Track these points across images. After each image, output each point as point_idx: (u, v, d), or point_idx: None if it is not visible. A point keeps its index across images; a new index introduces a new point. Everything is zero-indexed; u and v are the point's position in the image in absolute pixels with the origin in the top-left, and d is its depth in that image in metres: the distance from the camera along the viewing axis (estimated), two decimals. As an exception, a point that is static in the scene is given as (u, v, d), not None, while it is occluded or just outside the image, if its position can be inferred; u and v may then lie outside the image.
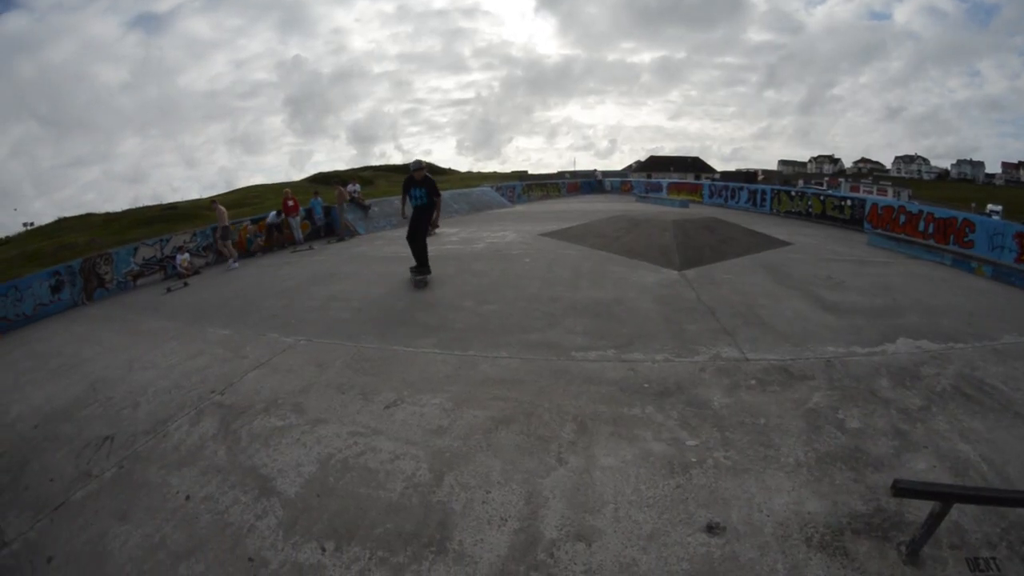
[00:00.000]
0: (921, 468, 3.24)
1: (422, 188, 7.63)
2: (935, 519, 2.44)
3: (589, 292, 7.15)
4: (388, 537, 2.81)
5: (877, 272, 8.45)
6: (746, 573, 2.51)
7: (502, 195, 22.99)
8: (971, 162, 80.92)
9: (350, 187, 16.29)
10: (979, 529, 2.64)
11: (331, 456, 3.57)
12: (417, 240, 7.89)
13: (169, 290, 9.87)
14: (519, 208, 21.34)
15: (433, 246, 8.71)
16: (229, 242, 11.86)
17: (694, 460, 3.36)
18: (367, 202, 16.27)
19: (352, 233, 14.63)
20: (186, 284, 10.40)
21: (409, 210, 8.10)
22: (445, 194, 13.03)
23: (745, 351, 4.99)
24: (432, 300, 7.14)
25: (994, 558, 2.46)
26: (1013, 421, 3.73)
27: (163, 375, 5.24)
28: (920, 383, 4.32)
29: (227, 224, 11.85)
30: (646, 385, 4.37)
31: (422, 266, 7.95)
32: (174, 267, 11.45)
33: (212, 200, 15.46)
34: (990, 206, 36.24)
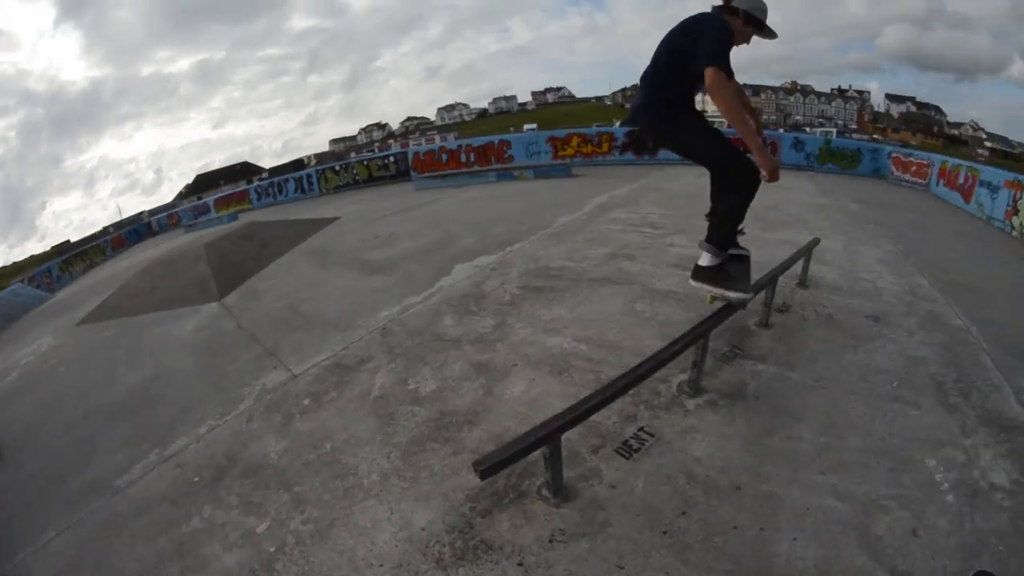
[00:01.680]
0: (519, 391, 3.42)
1: None
2: (554, 456, 2.46)
3: (129, 377, 5.35)
4: None
5: (425, 212, 9.11)
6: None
7: (38, 287, 17.46)
8: (505, 97, 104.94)
9: None
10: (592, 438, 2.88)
11: None
12: None
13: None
14: (61, 296, 15.26)
15: None
16: None
17: (273, 550, 2.65)
18: None
19: None
20: None
21: None
22: None
23: (292, 366, 4.54)
24: None
25: (640, 430, 2.80)
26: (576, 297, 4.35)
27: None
28: (486, 300, 4.68)
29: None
30: (196, 479, 3.36)
31: None
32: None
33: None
34: (526, 126, 49.06)
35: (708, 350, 3.30)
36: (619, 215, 7.54)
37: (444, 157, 14.65)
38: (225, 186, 49.58)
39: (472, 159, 14.28)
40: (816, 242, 4.93)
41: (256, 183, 25.44)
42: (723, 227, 3.18)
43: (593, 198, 8.79)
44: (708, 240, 3.22)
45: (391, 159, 16.04)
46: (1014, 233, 8.62)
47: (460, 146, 14.65)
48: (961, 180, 10.82)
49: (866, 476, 2.62)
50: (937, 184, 11.85)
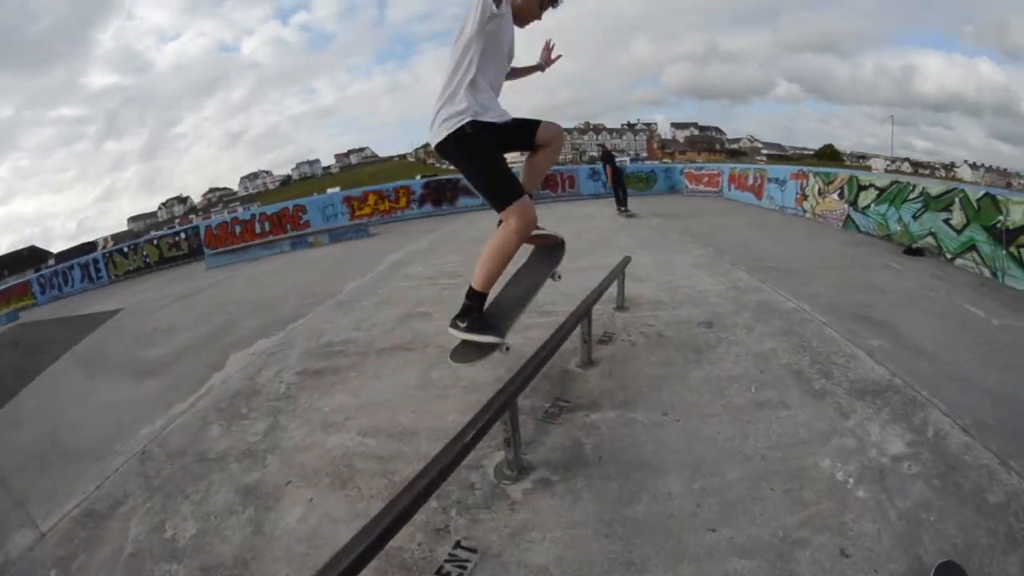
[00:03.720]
0: (294, 520, 2.42)
1: None
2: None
3: None
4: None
5: (211, 295, 8.30)
6: None
7: None
8: (309, 162, 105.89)
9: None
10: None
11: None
12: None
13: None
14: None
15: None
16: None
17: None
18: None
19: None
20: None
21: None
22: None
23: (40, 521, 3.27)
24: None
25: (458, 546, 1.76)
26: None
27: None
28: (259, 396, 4.01)
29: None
30: None
31: None
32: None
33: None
34: (329, 190, 51.11)
35: (520, 419, 2.59)
36: (414, 270, 7.22)
37: (238, 229, 13.68)
38: (9, 277, 41.06)
39: (267, 228, 13.60)
40: (627, 260, 4.76)
41: (39, 273, 20.81)
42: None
43: (388, 256, 8.51)
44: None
45: (182, 236, 14.34)
46: (807, 215, 9.90)
47: (253, 215, 13.90)
48: (751, 182, 12.47)
49: (764, 511, 2.25)
50: (729, 189, 13.52)
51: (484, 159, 2.48)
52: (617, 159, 13.85)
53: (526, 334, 4.06)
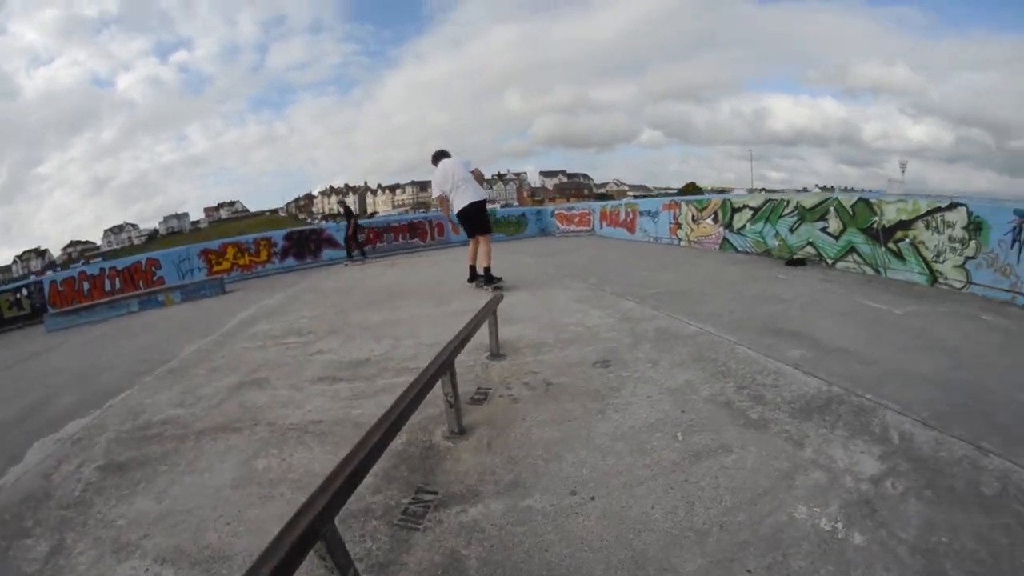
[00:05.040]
0: None
1: None
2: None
3: None
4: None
5: (35, 365, 7.00)
6: None
7: None
8: (177, 215, 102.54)
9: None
10: None
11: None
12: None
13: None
14: None
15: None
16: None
17: None
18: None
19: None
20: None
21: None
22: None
23: None
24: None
25: None
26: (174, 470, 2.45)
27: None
28: (50, 502, 2.71)
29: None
30: None
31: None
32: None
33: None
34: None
35: (370, 526, 1.74)
36: (261, 328, 6.23)
37: (86, 286, 11.97)
38: None
39: (118, 285, 12.14)
40: (499, 297, 4.13)
41: None
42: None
43: (237, 314, 7.43)
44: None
45: (24, 292, 11.93)
46: (683, 243, 10.07)
47: (103, 270, 12.30)
48: (623, 217, 12.71)
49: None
50: (601, 227, 13.70)
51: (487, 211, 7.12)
52: (488, 206, 13.99)
53: (378, 399, 3.31)
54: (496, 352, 3.88)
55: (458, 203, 6.65)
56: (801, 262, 6.97)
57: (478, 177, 6.88)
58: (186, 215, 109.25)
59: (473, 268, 7.09)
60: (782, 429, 2.51)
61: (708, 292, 5.56)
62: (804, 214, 7.20)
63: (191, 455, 3.19)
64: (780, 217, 7.66)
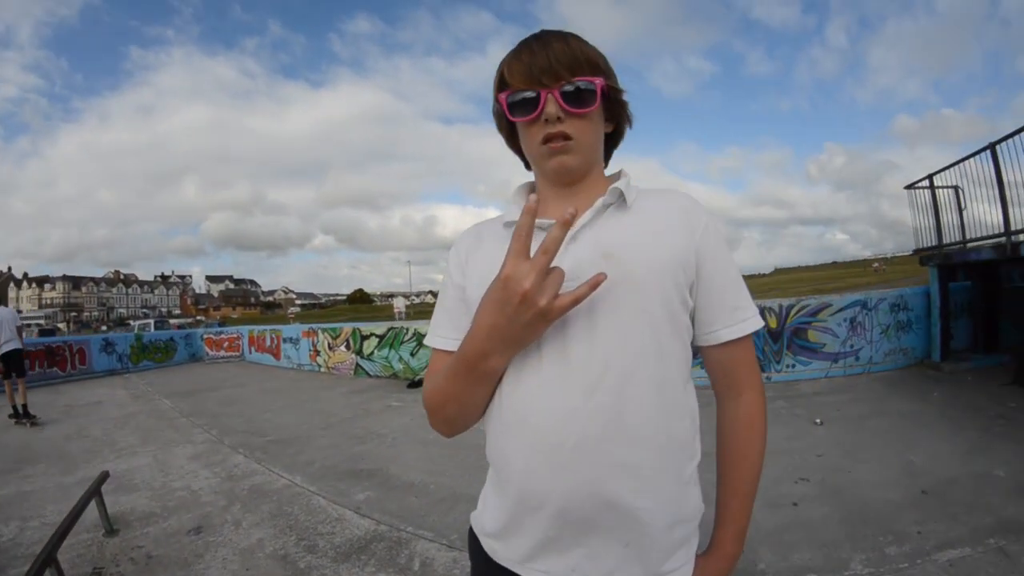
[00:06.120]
0: None
1: None
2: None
3: None
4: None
5: None
6: None
7: None
8: None
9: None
10: None
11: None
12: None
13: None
14: None
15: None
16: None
17: None
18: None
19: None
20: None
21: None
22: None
23: None
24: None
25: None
26: None
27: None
28: None
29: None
30: None
31: None
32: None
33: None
34: None
35: None
36: None
37: None
38: None
39: None
40: (105, 476, 4.00)
41: None
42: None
43: None
44: None
45: None
46: (322, 370, 10.47)
47: None
48: (269, 343, 12.68)
49: None
50: (250, 352, 13.45)
51: None
52: (141, 321, 12.31)
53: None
54: (110, 528, 3.73)
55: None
56: (419, 383, 7.95)
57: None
58: None
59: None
60: (322, 574, 2.98)
61: (315, 435, 6.04)
62: (421, 339, 8.34)
63: None
64: (402, 343, 8.78)
